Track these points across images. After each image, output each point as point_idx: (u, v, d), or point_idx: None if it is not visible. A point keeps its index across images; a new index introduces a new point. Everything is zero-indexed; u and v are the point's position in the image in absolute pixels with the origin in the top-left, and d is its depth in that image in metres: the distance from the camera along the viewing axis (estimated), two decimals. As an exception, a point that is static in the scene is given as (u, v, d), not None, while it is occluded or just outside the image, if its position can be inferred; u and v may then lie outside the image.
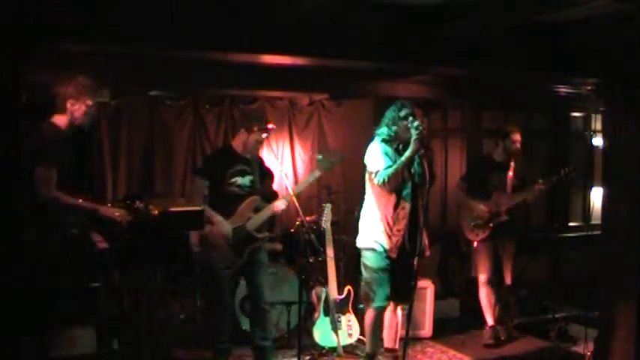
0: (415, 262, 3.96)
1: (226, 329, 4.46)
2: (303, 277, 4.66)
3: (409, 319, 4.09)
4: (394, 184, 4.10)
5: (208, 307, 4.70)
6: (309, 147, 6.42)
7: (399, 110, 4.16)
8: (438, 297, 5.79)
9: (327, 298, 5.07)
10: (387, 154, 4.19)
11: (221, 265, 4.37)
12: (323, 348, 5.03)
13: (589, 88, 5.46)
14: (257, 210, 4.47)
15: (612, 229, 4.79)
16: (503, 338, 5.42)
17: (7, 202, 3.56)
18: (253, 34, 3.83)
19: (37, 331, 3.69)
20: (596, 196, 7.17)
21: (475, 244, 5.37)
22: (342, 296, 5.11)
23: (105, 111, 5.54)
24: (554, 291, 6.11)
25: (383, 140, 4.24)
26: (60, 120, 3.73)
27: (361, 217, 4.40)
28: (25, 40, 3.39)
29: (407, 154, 4.03)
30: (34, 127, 3.69)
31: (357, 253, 4.45)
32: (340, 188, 6.22)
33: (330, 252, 5.10)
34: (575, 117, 7.66)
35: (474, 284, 5.55)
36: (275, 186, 4.94)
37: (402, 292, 4.21)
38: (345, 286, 5.17)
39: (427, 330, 5.59)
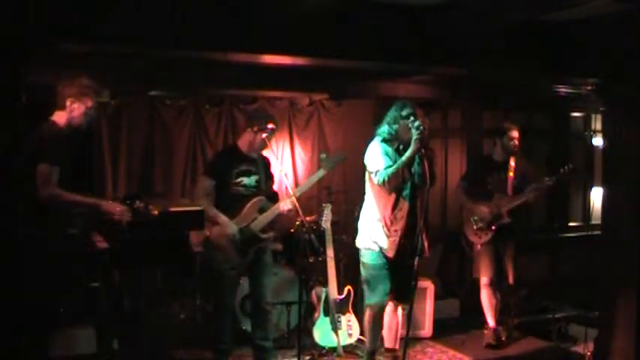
0: (415, 262, 3.96)
1: (228, 329, 4.47)
2: (303, 277, 4.66)
3: (409, 319, 4.10)
4: (394, 184, 4.10)
5: (214, 307, 4.69)
6: (309, 147, 6.41)
7: (401, 109, 4.16)
8: (438, 297, 5.79)
9: (327, 298, 5.06)
10: (387, 154, 4.18)
11: (226, 266, 4.37)
12: (323, 348, 5.03)
13: (589, 88, 5.45)
14: (262, 210, 4.47)
15: (612, 229, 4.79)
16: (504, 339, 5.41)
17: (7, 202, 3.56)
18: (253, 34, 3.83)
19: (37, 331, 3.69)
20: (596, 196, 7.17)
21: (478, 246, 5.35)
22: (342, 296, 5.11)
23: (105, 111, 5.54)
24: (554, 291, 6.11)
25: (383, 140, 4.24)
26: (59, 118, 3.73)
27: (360, 217, 4.40)
28: (25, 40, 3.39)
29: (407, 154, 4.02)
30: (34, 126, 3.70)
31: (357, 253, 4.45)
32: (340, 188, 6.22)
33: (330, 252, 5.10)
34: (575, 117, 7.66)
35: (474, 285, 5.55)
36: (275, 186, 4.94)
37: (402, 292, 4.21)
38: (345, 286, 5.17)
39: (427, 330, 5.59)
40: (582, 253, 6.56)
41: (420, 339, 5.50)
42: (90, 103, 3.76)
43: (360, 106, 6.45)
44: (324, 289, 5.10)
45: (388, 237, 4.16)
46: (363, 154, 4.29)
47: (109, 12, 3.49)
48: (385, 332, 4.49)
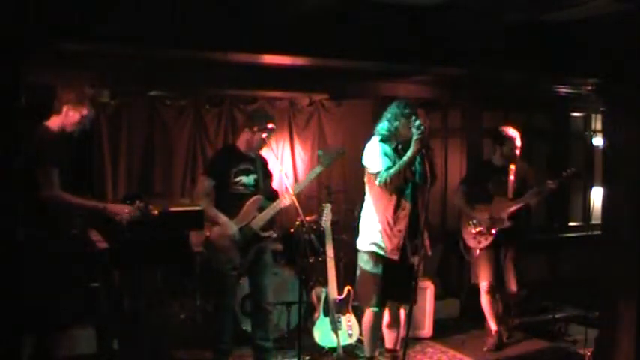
0: (416, 262, 3.95)
1: (228, 329, 4.47)
2: (303, 277, 4.66)
3: (409, 319, 4.09)
4: (396, 185, 4.07)
5: (214, 307, 4.70)
6: (309, 147, 6.42)
7: (403, 107, 4.14)
8: (438, 297, 5.79)
9: (327, 298, 5.06)
10: (386, 154, 4.16)
11: (226, 266, 4.37)
12: (323, 348, 5.03)
13: (589, 88, 5.45)
14: (261, 209, 4.47)
15: (612, 229, 4.79)
16: (504, 340, 5.40)
17: (7, 202, 3.56)
18: (253, 34, 3.82)
19: (37, 331, 3.69)
20: (596, 196, 7.17)
21: (477, 252, 5.30)
22: (342, 296, 5.11)
23: (105, 111, 5.54)
24: (554, 291, 6.11)
25: (382, 139, 4.21)
26: (53, 122, 3.74)
27: (361, 218, 4.38)
28: (25, 40, 3.38)
29: (409, 154, 4.00)
30: (34, 127, 3.70)
31: (357, 253, 4.44)
32: (340, 188, 6.22)
33: (330, 252, 5.10)
34: (575, 117, 7.66)
35: (474, 288, 5.52)
36: (275, 185, 4.94)
37: (403, 293, 4.20)
38: (345, 286, 5.16)
39: (427, 330, 5.59)
40: (582, 253, 6.55)
41: (420, 339, 5.50)
42: (86, 112, 3.78)
43: (360, 106, 6.45)
44: (324, 289, 5.09)
45: (391, 238, 4.14)
46: (363, 153, 4.28)
47: (109, 12, 3.48)
48: (386, 333, 4.48)
